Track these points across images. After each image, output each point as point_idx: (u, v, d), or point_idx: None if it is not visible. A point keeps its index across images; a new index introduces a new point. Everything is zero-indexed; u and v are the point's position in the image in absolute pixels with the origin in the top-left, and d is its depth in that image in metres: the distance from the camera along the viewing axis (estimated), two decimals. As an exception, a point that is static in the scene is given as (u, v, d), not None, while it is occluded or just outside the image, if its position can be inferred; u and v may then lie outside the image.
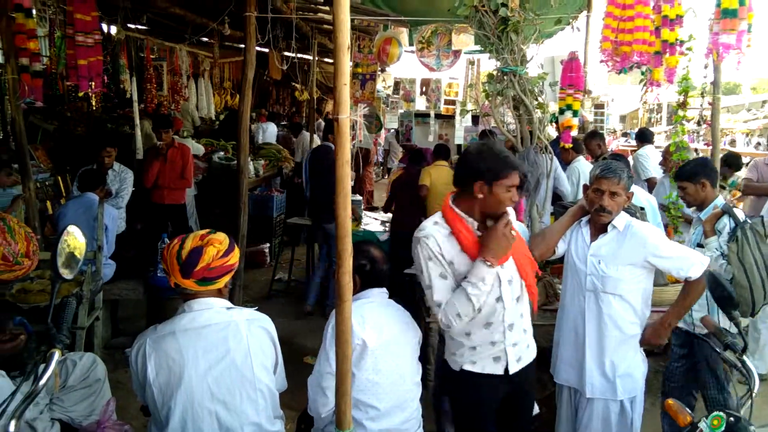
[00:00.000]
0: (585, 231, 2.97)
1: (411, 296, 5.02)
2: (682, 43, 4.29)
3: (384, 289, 2.56)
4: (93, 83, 4.77)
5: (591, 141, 6.48)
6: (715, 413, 2.28)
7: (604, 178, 2.77)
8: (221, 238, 2.12)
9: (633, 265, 2.80)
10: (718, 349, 2.22)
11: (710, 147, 4.21)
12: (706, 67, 4.23)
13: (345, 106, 1.96)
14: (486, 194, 2.37)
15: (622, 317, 2.83)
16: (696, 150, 4.90)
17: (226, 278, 2.12)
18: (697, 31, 4.38)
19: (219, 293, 2.14)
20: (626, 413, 2.87)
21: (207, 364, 2.03)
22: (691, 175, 3.43)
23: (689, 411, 2.44)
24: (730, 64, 4.07)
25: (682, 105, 4.52)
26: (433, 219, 2.46)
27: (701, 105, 4.40)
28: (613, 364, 2.85)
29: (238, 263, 2.18)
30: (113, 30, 7.06)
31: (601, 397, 2.87)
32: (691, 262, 2.69)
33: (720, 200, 3.43)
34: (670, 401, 2.57)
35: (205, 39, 8.04)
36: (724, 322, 2.86)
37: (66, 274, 1.91)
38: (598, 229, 2.89)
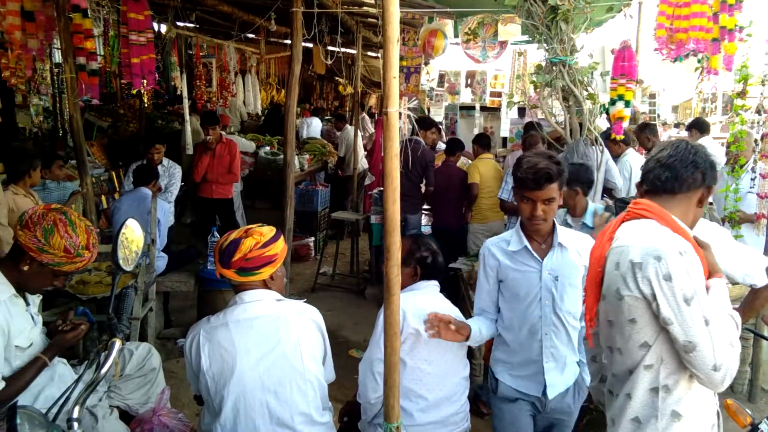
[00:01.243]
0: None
1: (455, 292, 5.00)
2: (741, 29, 4.12)
3: (437, 282, 2.58)
4: (146, 81, 4.89)
5: (642, 133, 6.28)
6: (778, 415, 2.19)
7: None
8: (264, 231, 2.14)
9: None
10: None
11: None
12: (766, 54, 4.03)
13: (394, 99, 1.95)
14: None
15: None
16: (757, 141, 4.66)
17: (269, 269, 2.13)
18: (757, 16, 4.19)
19: (266, 285, 2.16)
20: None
21: (258, 354, 2.06)
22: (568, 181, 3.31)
23: (749, 412, 2.36)
24: (793, 50, 3.87)
25: (741, 94, 4.33)
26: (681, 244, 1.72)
27: (761, 93, 4.19)
28: None
29: (282, 255, 2.19)
30: (164, 28, 7.23)
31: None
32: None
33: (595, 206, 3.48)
34: (729, 401, 2.48)
35: (251, 35, 8.17)
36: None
37: (125, 265, 1.97)
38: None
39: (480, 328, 2.41)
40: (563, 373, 2.41)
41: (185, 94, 6.52)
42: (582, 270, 2.35)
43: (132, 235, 2.06)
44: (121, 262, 1.92)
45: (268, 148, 8.03)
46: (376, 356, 2.32)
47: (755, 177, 4.46)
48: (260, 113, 8.52)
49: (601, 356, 1.99)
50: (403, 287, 2.42)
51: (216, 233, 4.68)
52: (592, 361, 2.09)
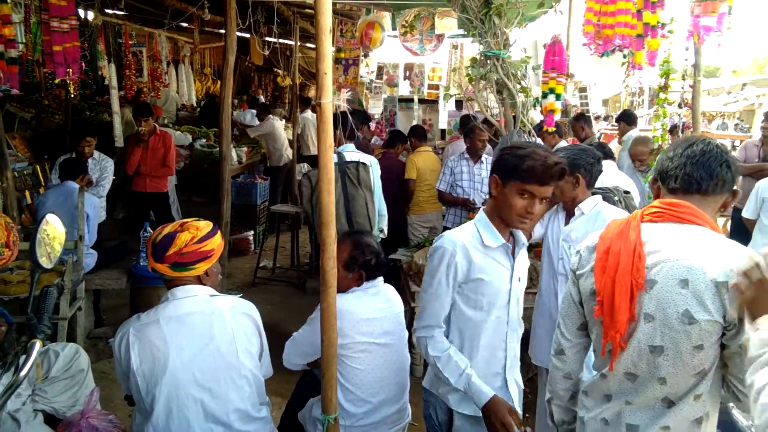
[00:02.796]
0: (561, 216, 2.99)
1: (395, 282, 5.04)
2: (663, 25, 4.31)
3: (381, 279, 2.52)
4: (70, 70, 4.66)
5: (576, 123, 6.52)
6: None
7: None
8: (201, 225, 2.10)
9: None
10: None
11: (691, 130, 4.24)
12: (687, 49, 4.25)
13: (327, 90, 1.95)
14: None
15: None
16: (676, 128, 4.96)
17: (204, 265, 2.09)
18: (678, 13, 4.40)
19: (200, 280, 2.12)
20: None
21: (192, 351, 2.02)
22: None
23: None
24: (710, 47, 4.10)
25: (664, 88, 4.56)
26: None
27: (682, 88, 4.42)
28: None
29: (219, 250, 2.15)
30: (90, 15, 6.92)
31: None
32: None
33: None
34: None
35: (185, 24, 7.92)
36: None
37: (45, 263, 1.88)
38: (571, 213, 2.91)
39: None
40: (516, 384, 2.27)
41: (114, 84, 6.27)
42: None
43: (53, 231, 1.96)
44: (40, 259, 1.82)
45: (204, 140, 7.84)
46: (305, 349, 2.35)
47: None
48: (195, 104, 8.29)
49: (577, 374, 1.82)
50: (346, 290, 2.42)
51: (149, 228, 4.53)
52: (566, 379, 1.89)
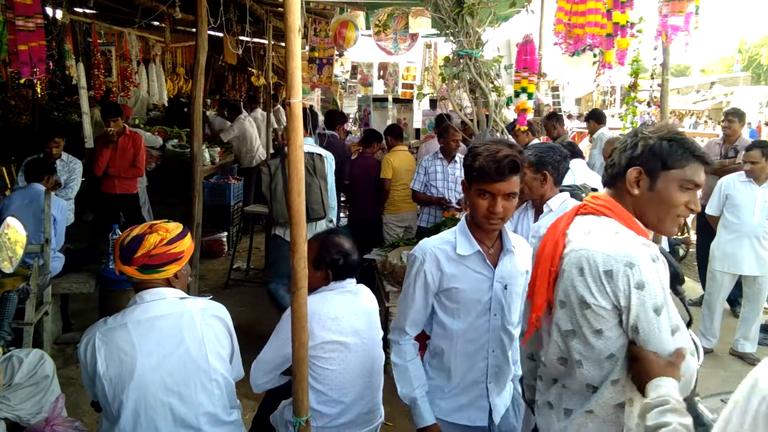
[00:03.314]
0: (530, 213, 3.02)
1: (370, 281, 5.03)
2: (632, 25, 4.38)
3: (352, 279, 2.48)
4: (36, 70, 4.55)
5: (548, 122, 6.59)
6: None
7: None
8: (170, 227, 2.07)
9: None
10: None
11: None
12: (655, 48, 4.32)
13: (297, 90, 1.93)
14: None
15: None
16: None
17: (174, 267, 2.06)
18: (647, 13, 4.47)
19: (169, 283, 2.09)
20: None
21: (160, 355, 1.98)
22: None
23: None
24: (678, 46, 4.17)
25: (633, 87, 4.63)
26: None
27: (651, 87, 4.49)
28: None
29: (189, 252, 2.12)
30: (59, 14, 6.77)
31: None
32: None
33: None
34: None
35: (156, 23, 7.80)
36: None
37: (6, 268, 1.83)
38: (540, 211, 2.94)
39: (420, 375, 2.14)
40: (502, 394, 2.21)
41: (82, 84, 6.14)
42: (525, 276, 2.12)
43: (15, 234, 1.91)
44: (1, 264, 1.78)
45: (176, 140, 7.72)
46: (277, 362, 2.28)
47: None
48: (167, 104, 8.17)
49: (539, 355, 1.84)
50: (314, 289, 2.39)
51: (117, 231, 4.44)
52: (529, 359, 1.95)
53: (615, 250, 1.54)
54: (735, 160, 5.51)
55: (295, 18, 1.86)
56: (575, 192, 3.10)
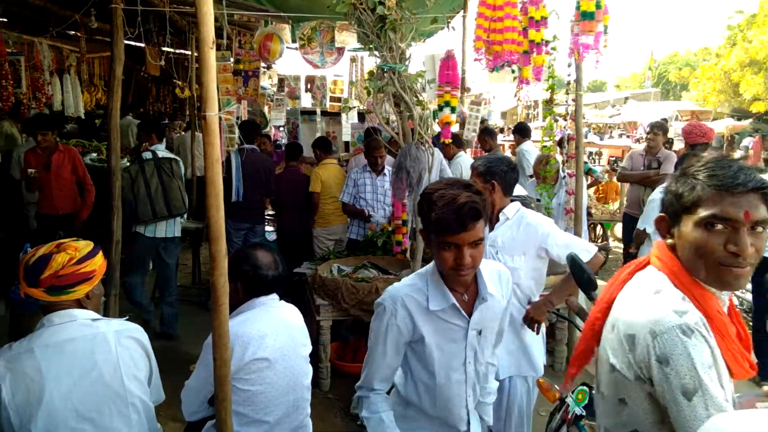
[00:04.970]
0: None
1: (301, 295, 4.99)
2: (547, 43, 4.58)
3: (274, 296, 2.42)
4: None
5: (482, 135, 6.81)
6: (579, 387, 2.47)
7: None
8: (80, 245, 1.99)
9: (527, 255, 2.94)
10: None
11: (575, 141, 4.53)
12: (569, 65, 4.53)
13: (213, 102, 1.91)
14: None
15: (520, 303, 2.98)
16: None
17: (85, 287, 1.98)
18: (560, 32, 4.70)
19: (81, 304, 2.00)
20: (533, 389, 3.02)
21: (71, 380, 1.89)
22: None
23: (557, 387, 2.62)
24: (589, 63, 4.40)
25: (549, 101, 4.84)
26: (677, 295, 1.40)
27: (566, 101, 4.71)
28: (518, 343, 3.00)
29: (101, 271, 2.05)
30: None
31: (507, 375, 3.01)
32: (579, 249, 2.75)
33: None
34: (541, 380, 2.74)
35: (72, 32, 7.47)
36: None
37: None
38: (496, 220, 3.02)
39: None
40: (481, 423, 2.14)
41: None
42: (504, 311, 2.10)
43: None
44: None
45: (95, 154, 7.40)
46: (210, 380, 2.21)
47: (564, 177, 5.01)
48: (83, 116, 7.82)
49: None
50: (235, 307, 2.34)
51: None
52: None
53: (640, 314, 1.35)
54: (659, 171, 5.84)
55: (209, 30, 1.84)
56: (525, 201, 3.24)
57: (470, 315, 1.94)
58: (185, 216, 5.42)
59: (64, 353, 1.92)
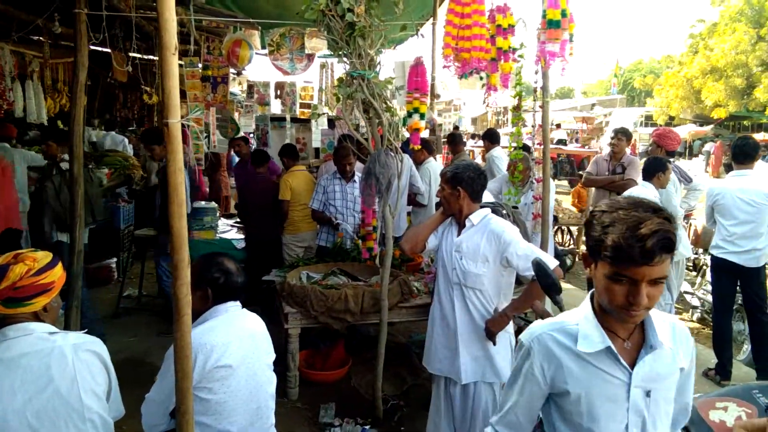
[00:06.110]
0: (454, 228, 3.15)
1: (269, 303, 4.94)
2: (514, 50, 4.63)
3: (237, 303, 2.41)
4: None
5: (451, 140, 6.87)
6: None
7: None
8: (38, 256, 1.93)
9: (490, 262, 2.97)
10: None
11: (542, 146, 4.58)
12: (536, 72, 4.58)
13: (175, 110, 1.87)
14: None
15: (485, 309, 3.02)
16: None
17: (43, 299, 1.92)
18: (527, 40, 4.75)
19: (38, 317, 1.94)
20: (498, 395, 3.04)
21: (26, 396, 1.83)
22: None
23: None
24: (556, 71, 4.46)
25: (516, 108, 4.89)
26: None
27: (533, 108, 4.77)
28: (483, 350, 3.03)
29: (60, 283, 1.99)
30: None
31: (472, 380, 3.04)
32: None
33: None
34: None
35: (36, 37, 7.28)
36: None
37: None
38: (462, 225, 3.08)
39: None
40: None
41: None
42: (677, 374, 1.64)
43: None
44: None
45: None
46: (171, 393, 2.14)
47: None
48: (46, 123, 7.64)
49: None
50: (198, 314, 2.30)
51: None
52: None
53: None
54: (623, 176, 5.94)
55: (171, 36, 1.81)
56: (496, 208, 3.27)
57: (632, 366, 1.58)
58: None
59: (19, 367, 1.85)
